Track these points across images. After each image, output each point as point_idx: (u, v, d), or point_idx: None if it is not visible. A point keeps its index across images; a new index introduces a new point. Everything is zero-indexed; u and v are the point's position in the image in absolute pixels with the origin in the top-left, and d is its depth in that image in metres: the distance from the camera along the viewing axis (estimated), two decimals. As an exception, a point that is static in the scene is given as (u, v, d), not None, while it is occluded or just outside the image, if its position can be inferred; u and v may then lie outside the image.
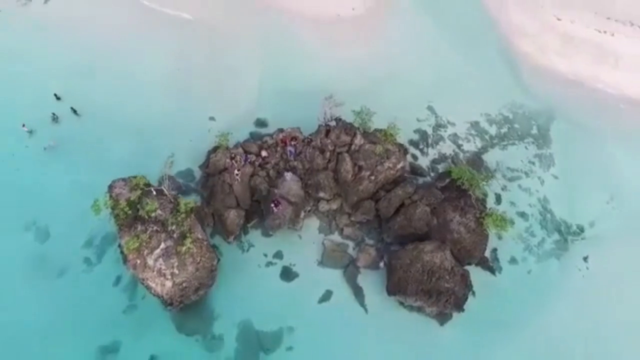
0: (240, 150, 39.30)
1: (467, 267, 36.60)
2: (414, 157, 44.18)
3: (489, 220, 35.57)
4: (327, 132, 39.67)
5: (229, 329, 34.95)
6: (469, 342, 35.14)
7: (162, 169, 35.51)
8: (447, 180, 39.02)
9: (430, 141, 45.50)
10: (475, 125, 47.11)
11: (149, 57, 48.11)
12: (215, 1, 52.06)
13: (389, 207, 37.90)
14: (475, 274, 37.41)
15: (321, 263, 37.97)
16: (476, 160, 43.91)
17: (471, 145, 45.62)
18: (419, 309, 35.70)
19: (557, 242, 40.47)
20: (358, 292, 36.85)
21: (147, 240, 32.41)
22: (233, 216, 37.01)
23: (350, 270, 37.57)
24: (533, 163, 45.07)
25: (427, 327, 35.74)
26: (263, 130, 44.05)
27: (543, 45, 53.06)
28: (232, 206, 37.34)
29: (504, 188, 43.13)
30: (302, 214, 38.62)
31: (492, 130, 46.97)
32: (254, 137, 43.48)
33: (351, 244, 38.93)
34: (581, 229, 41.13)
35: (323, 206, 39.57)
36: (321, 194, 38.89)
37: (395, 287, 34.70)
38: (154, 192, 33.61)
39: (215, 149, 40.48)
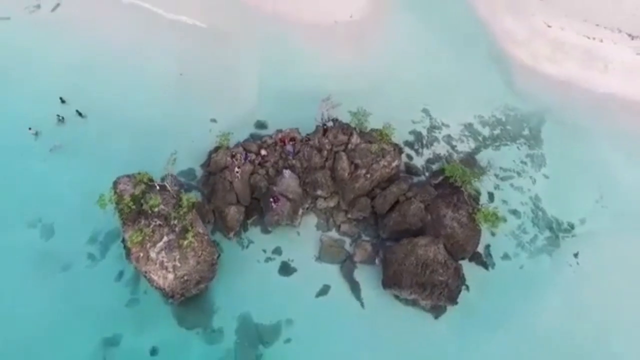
0: (241, 149, 40.60)
1: (462, 263, 37.61)
2: (409, 157, 45.47)
3: (480, 215, 36.74)
4: (325, 132, 41.06)
5: (228, 322, 35.91)
6: (463, 335, 36.11)
7: (165, 166, 36.71)
8: (441, 178, 40.35)
9: (425, 142, 46.84)
10: (468, 126, 48.52)
11: (152, 62, 49.47)
12: (217, 8, 53.72)
13: (385, 203, 39.10)
14: (469, 269, 38.58)
15: (319, 258, 39.04)
16: (469, 160, 45.15)
17: (465, 146, 46.98)
18: (414, 303, 36.69)
19: (548, 238, 41.59)
20: (354, 287, 37.90)
21: (150, 234, 33.49)
22: (233, 212, 38.18)
23: (347, 265, 38.64)
24: (525, 163, 46.36)
25: (422, 320, 36.74)
26: (263, 132, 45.30)
27: (534, 51, 54.72)
28: (232, 202, 38.55)
29: (496, 187, 44.35)
30: (300, 211, 39.79)
31: (485, 131, 48.37)
32: (254, 138, 44.67)
33: (348, 240, 40.06)
34: (572, 226, 42.28)
35: (321, 204, 40.75)
36: (319, 192, 40.07)
37: (390, 280, 35.74)
38: (158, 187, 34.81)
39: (216, 149, 41.77)
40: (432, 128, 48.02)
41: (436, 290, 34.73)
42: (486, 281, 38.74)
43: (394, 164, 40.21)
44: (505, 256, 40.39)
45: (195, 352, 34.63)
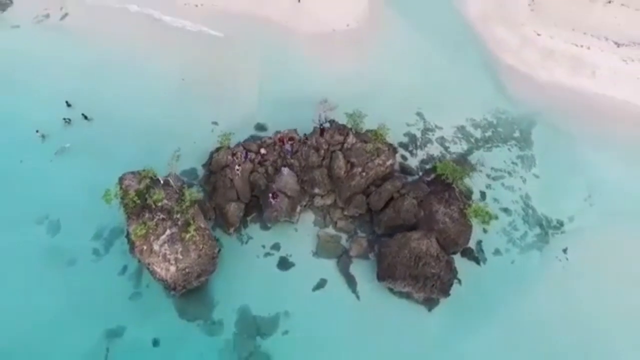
0: (241, 148, 42.17)
1: (454, 258, 38.81)
2: (404, 157, 47.03)
3: (470, 210, 38.17)
4: (322, 132, 42.74)
5: (228, 314, 37.01)
6: (455, 327, 37.11)
7: (168, 161, 38.20)
8: (433, 175, 41.91)
9: (419, 143, 48.49)
10: (461, 129, 50.24)
11: (155, 67, 51.21)
12: (219, 17, 56.03)
13: (379, 200, 40.54)
14: (462, 264, 39.83)
15: (316, 254, 40.30)
16: (462, 161, 46.71)
17: (457, 147, 48.63)
18: (408, 295, 37.84)
19: (538, 235, 42.91)
20: (350, 281, 39.07)
21: (153, 227, 34.84)
22: (234, 208, 39.60)
23: (343, 260, 39.90)
24: (515, 164, 47.92)
25: (415, 312, 37.78)
26: (263, 134, 46.80)
27: (524, 58, 56.75)
28: (232, 199, 39.97)
29: (488, 186, 45.80)
30: (298, 208, 41.21)
31: (477, 133, 50.08)
32: (254, 139, 46.10)
33: (344, 236, 41.33)
34: (561, 223, 43.63)
35: (318, 201, 42.19)
36: (316, 190, 41.53)
37: (384, 273, 36.99)
38: (161, 182, 36.32)
39: (218, 149, 43.34)
40: (426, 130, 49.73)
41: (429, 282, 35.93)
42: (478, 275, 39.93)
43: (388, 163, 41.77)
44: (497, 252, 41.65)
45: (196, 343, 35.62)
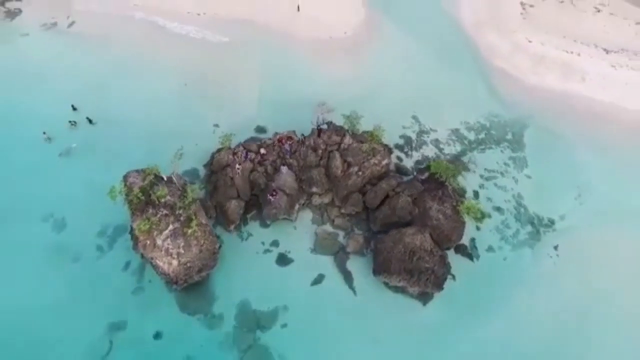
0: (241, 148, 43.61)
1: (448, 255, 40.08)
2: (399, 159, 48.44)
3: (463, 207, 39.48)
4: (320, 133, 44.23)
5: (228, 308, 38.19)
6: (449, 321, 38.27)
7: (171, 160, 39.53)
8: (427, 174, 43.30)
9: (414, 145, 49.94)
10: (455, 131, 51.73)
11: (159, 73, 52.99)
12: (221, 24, 57.98)
13: (375, 198, 41.84)
14: (456, 260, 41.05)
15: (314, 250, 41.52)
16: (456, 162, 48.10)
17: (451, 149, 50.08)
18: (403, 290, 38.95)
19: (530, 233, 44.15)
20: (347, 276, 40.29)
21: (157, 222, 36.09)
22: (234, 206, 40.89)
23: (340, 256, 41.12)
24: (508, 165, 49.29)
25: (410, 307, 38.96)
26: (262, 136, 48.27)
27: (516, 63, 58.49)
28: (233, 197, 41.28)
29: (481, 186, 47.12)
30: (297, 206, 42.51)
31: (471, 136, 51.56)
32: (254, 141, 47.78)
33: (341, 233, 42.66)
34: (552, 222, 44.88)
35: (316, 200, 43.50)
36: (314, 189, 42.85)
37: (380, 267, 38.13)
38: (165, 179, 37.66)
39: (219, 150, 44.76)
40: (421, 132, 51.23)
41: (423, 276, 37.04)
42: (471, 272, 41.10)
43: (384, 162, 43.17)
44: (490, 249, 42.83)
45: (197, 337, 36.77)
